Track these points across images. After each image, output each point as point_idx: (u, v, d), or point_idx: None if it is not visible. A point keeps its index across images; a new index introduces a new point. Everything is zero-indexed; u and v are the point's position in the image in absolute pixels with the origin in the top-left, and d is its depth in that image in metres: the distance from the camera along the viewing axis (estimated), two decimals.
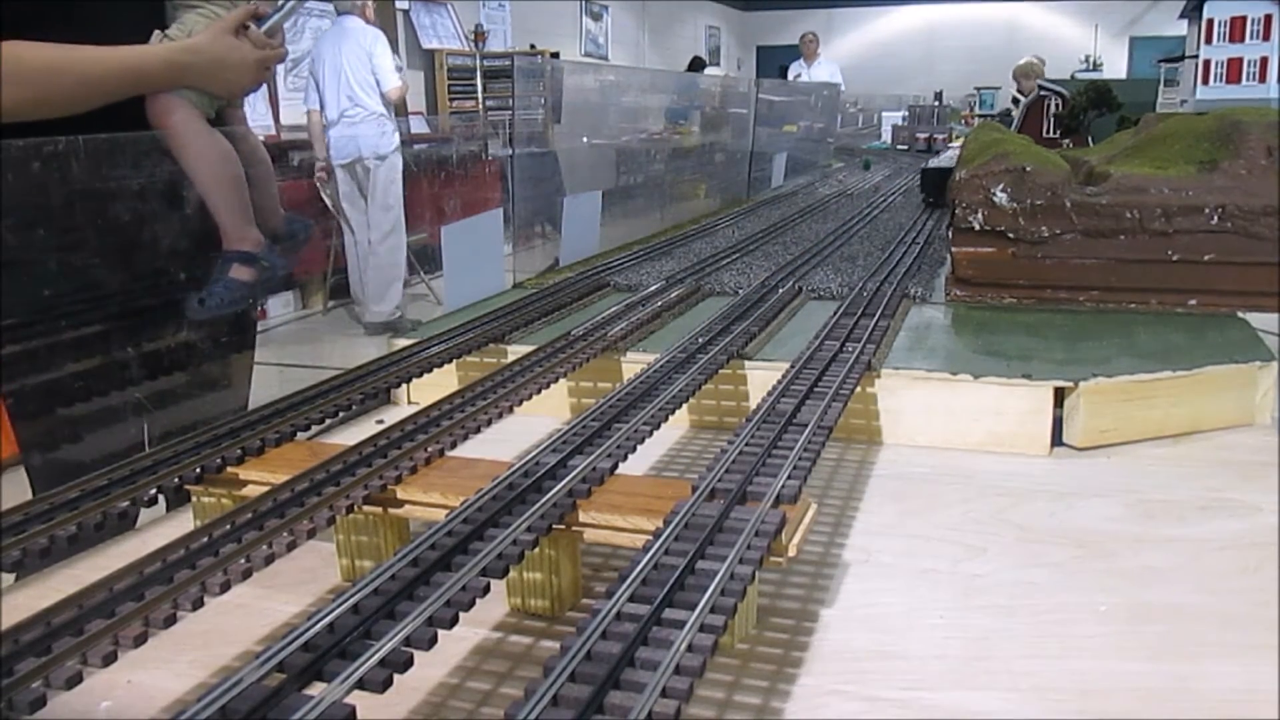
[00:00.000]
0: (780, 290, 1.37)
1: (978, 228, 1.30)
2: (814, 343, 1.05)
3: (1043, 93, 3.90)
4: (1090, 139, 3.72)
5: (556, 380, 0.96)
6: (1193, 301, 1.26)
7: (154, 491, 0.69)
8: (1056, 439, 1.01)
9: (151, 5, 1.18)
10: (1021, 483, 0.92)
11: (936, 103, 5.97)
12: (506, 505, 0.65)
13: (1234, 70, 4.74)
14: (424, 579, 0.55)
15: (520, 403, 0.90)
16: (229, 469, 0.74)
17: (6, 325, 1.05)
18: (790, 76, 7.18)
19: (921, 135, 5.20)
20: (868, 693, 0.61)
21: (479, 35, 8.33)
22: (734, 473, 0.70)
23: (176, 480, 0.71)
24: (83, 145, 1.12)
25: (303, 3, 1.23)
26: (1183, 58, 5.15)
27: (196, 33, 1.14)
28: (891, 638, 0.66)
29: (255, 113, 6.01)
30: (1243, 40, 4.72)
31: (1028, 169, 1.27)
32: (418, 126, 7.33)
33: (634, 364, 1.08)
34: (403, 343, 1.10)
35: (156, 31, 1.14)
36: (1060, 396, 1.00)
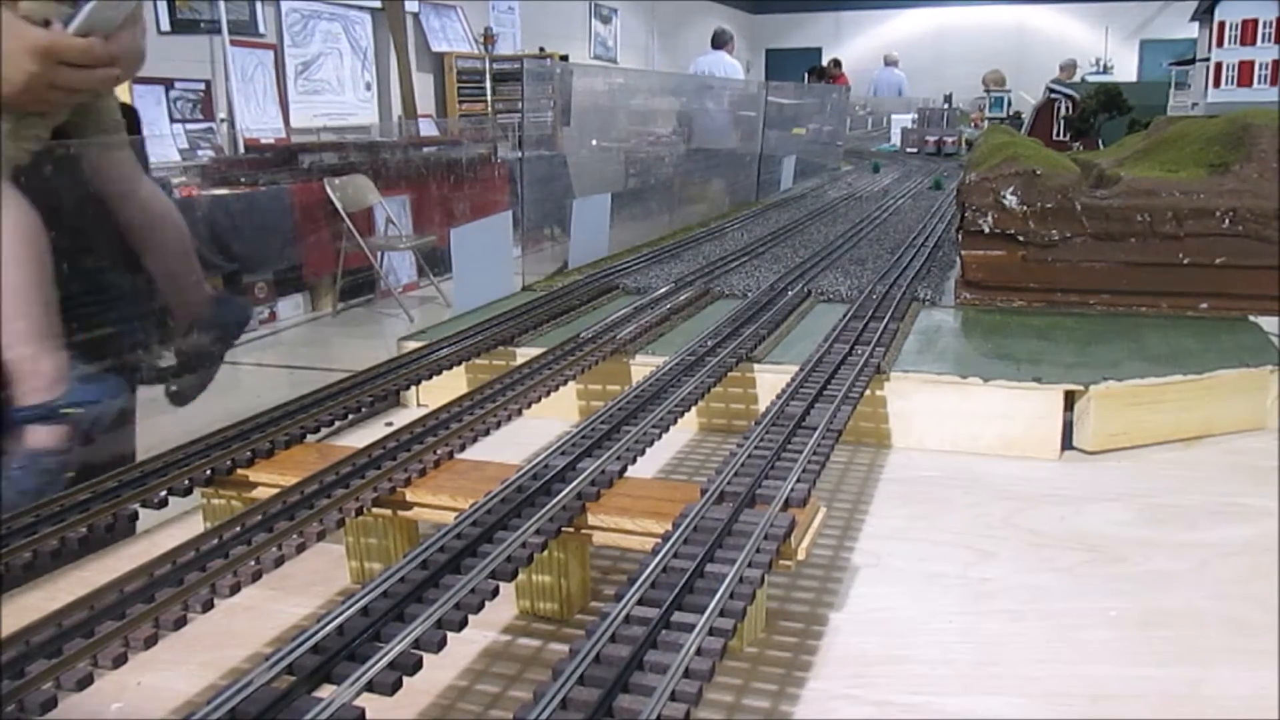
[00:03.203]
0: (789, 293, 1.37)
1: (987, 231, 1.30)
2: (823, 346, 1.05)
3: (1053, 95, 3.89)
4: (1100, 142, 3.71)
5: (565, 383, 0.96)
6: (1204, 305, 1.26)
7: (164, 494, 0.70)
8: (1067, 443, 1.01)
9: None
10: (1031, 487, 0.92)
11: (946, 105, 5.97)
12: (515, 508, 0.65)
13: (1246, 73, 4.72)
14: (433, 582, 0.55)
15: (529, 405, 0.90)
16: (239, 471, 0.75)
17: None
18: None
19: (931, 138, 5.19)
20: (877, 697, 0.60)
21: (488, 38, 8.36)
22: (743, 476, 0.69)
23: (186, 482, 0.71)
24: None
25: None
26: (1194, 60, 5.13)
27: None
28: (901, 642, 0.66)
29: (266, 115, 6.04)
30: (1254, 43, 4.70)
31: (1038, 172, 1.27)
32: (427, 129, 7.36)
33: (643, 367, 1.08)
34: (412, 345, 1.10)
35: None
36: (1070, 400, 1.00)
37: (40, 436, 0.84)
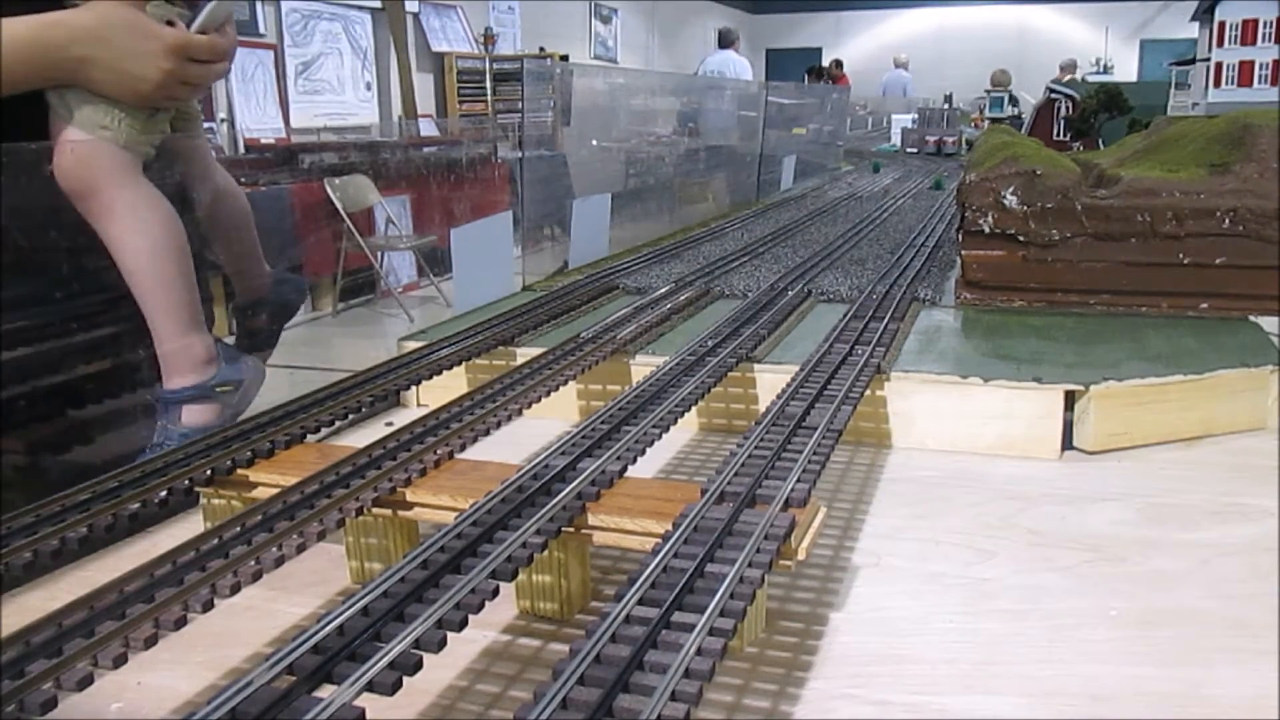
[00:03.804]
0: (789, 293, 1.37)
1: (988, 231, 1.30)
2: (823, 346, 1.05)
3: (1053, 95, 3.89)
4: (1101, 142, 3.71)
5: (566, 383, 0.96)
6: (1204, 305, 1.26)
7: (164, 494, 0.70)
8: (1067, 443, 1.01)
9: None
10: (1032, 486, 0.92)
11: (946, 105, 5.97)
12: (515, 508, 0.65)
13: (1246, 73, 4.73)
14: (433, 581, 0.55)
15: (529, 405, 0.90)
16: (239, 471, 0.75)
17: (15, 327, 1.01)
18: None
19: (931, 138, 5.19)
20: (877, 697, 0.60)
21: (488, 38, 8.36)
22: (743, 476, 0.69)
23: (186, 482, 0.71)
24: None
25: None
26: (1194, 60, 5.14)
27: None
28: (901, 641, 0.66)
29: (266, 115, 6.04)
30: (1255, 43, 4.70)
31: (1038, 172, 1.27)
32: (427, 129, 7.36)
33: (643, 366, 1.08)
34: (412, 345, 1.10)
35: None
36: (1071, 400, 1.00)
37: (195, 414, 0.91)
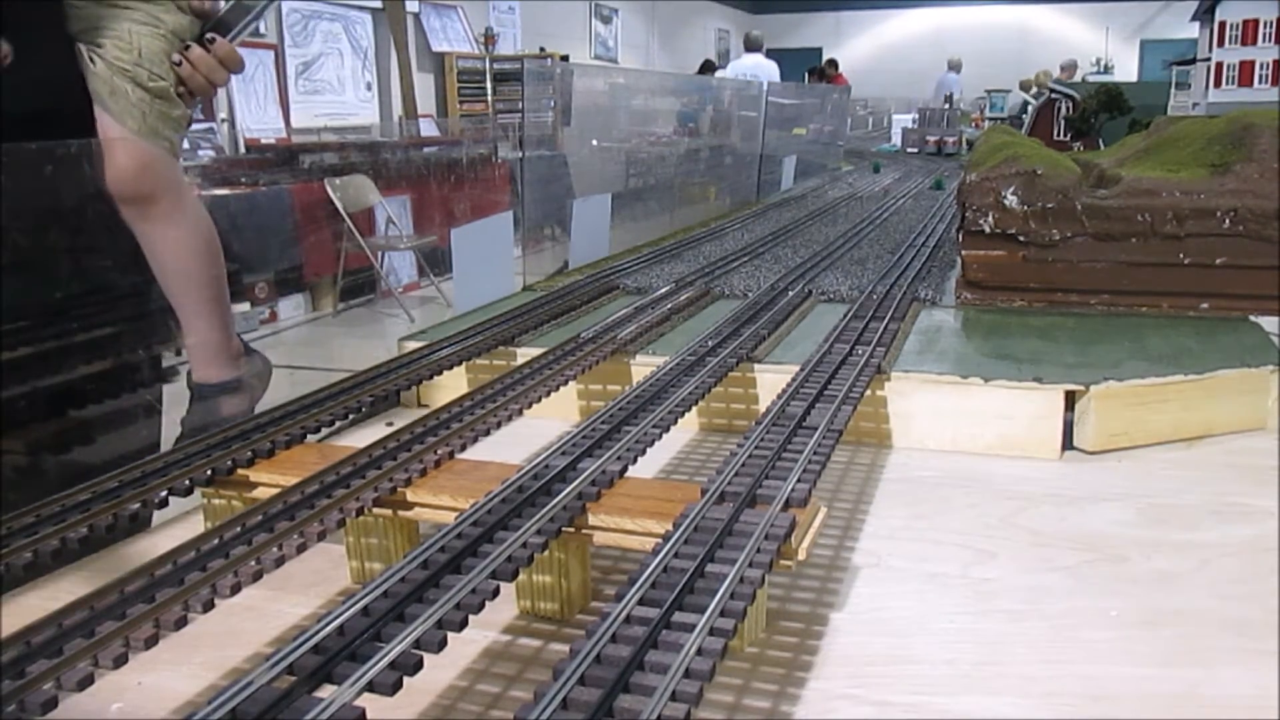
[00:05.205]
0: (790, 293, 1.37)
1: (988, 231, 1.30)
2: (824, 346, 1.05)
3: (1053, 95, 3.89)
4: (1101, 142, 3.71)
5: (566, 383, 0.96)
6: (1204, 305, 1.26)
7: (165, 494, 0.70)
8: (1067, 443, 1.01)
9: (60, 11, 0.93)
10: (1032, 487, 0.92)
11: (947, 105, 5.97)
12: (516, 508, 0.65)
13: (1246, 73, 4.73)
14: (433, 582, 0.55)
15: (530, 405, 0.90)
16: (239, 471, 0.75)
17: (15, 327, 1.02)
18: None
19: (932, 138, 5.19)
20: (877, 697, 0.60)
21: (489, 38, 8.37)
22: (743, 476, 0.69)
23: (186, 482, 0.71)
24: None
25: (263, 11, 1.06)
26: (1194, 60, 5.14)
27: (146, 47, 0.91)
28: (902, 642, 0.66)
29: (267, 115, 6.05)
30: (1255, 43, 4.71)
31: (1039, 172, 1.27)
32: (427, 129, 7.36)
33: (643, 366, 1.08)
34: (413, 345, 1.10)
35: (82, 46, 0.92)
36: (1071, 400, 1.00)
37: (230, 404, 0.97)
